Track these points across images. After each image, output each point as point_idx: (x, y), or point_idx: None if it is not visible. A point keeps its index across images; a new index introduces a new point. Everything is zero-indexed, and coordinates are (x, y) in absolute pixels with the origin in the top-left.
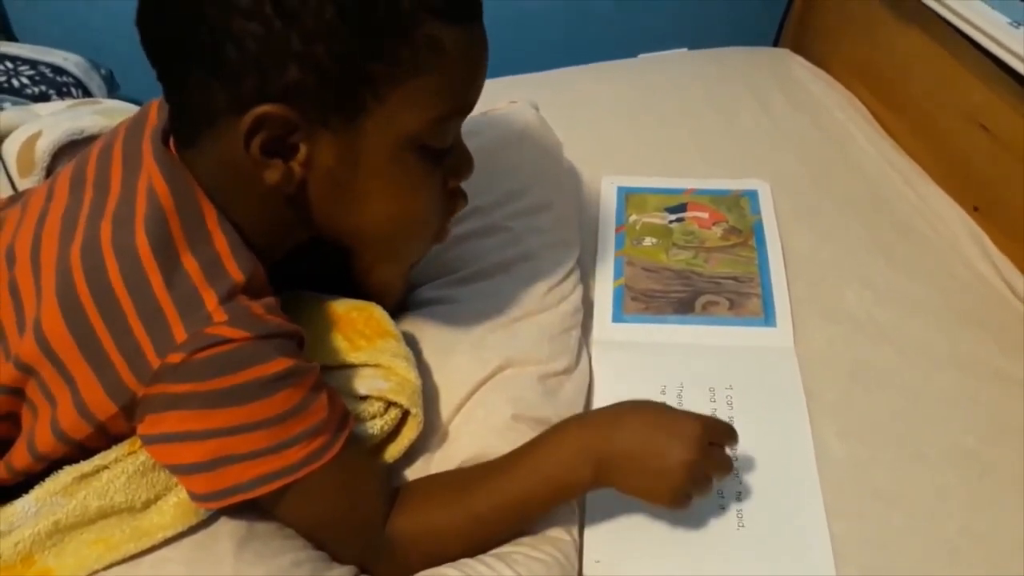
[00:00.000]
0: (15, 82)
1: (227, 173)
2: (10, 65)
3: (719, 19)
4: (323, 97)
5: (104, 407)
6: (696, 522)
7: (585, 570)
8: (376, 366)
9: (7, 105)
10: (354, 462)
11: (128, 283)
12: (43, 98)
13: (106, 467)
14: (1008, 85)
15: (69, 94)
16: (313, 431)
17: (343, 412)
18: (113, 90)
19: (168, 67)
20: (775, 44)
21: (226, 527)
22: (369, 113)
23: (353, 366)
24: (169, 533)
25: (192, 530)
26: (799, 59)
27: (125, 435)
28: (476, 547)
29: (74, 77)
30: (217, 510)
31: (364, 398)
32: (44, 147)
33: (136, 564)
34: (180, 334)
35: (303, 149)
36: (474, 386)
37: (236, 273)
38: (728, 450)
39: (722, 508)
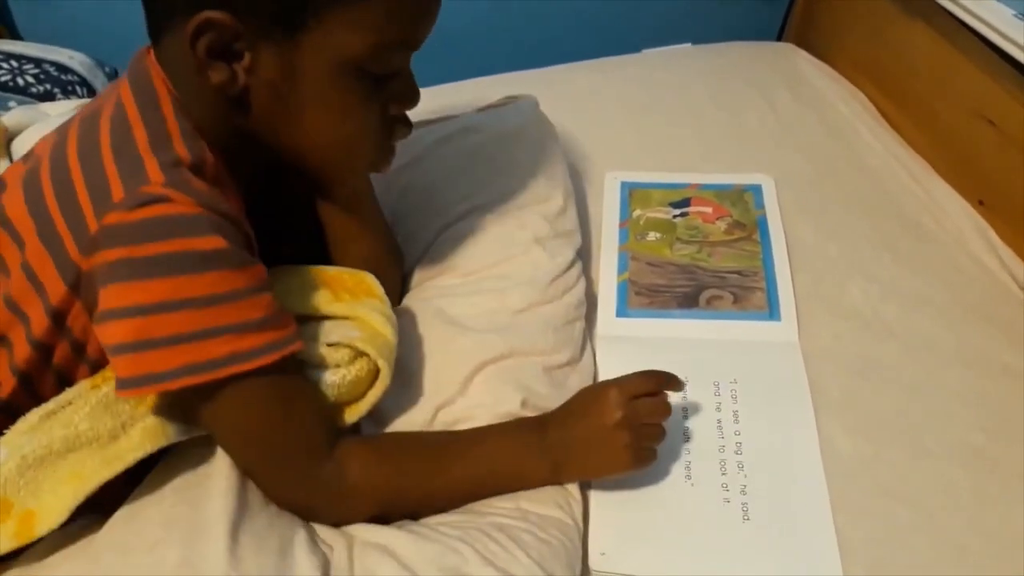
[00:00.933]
0: (20, 80)
1: (183, 67)
2: (15, 64)
3: (723, 14)
4: (267, 9)
5: (56, 287)
6: (701, 516)
7: (590, 563)
8: (354, 319)
9: (13, 104)
10: (293, 385)
11: (81, 154)
12: (48, 96)
13: (70, 402)
14: (1014, 79)
15: (74, 92)
16: (243, 327)
17: (289, 330)
18: None
19: None
20: (779, 39)
21: (219, 508)
22: (309, 30)
23: (331, 317)
24: (139, 454)
25: (185, 515)
26: (803, 54)
27: (91, 347)
28: (428, 508)
29: (79, 75)
30: (209, 490)
31: (332, 345)
32: None
33: (130, 550)
34: (118, 193)
35: (247, 56)
36: (477, 365)
37: (182, 150)
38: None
39: (727, 501)
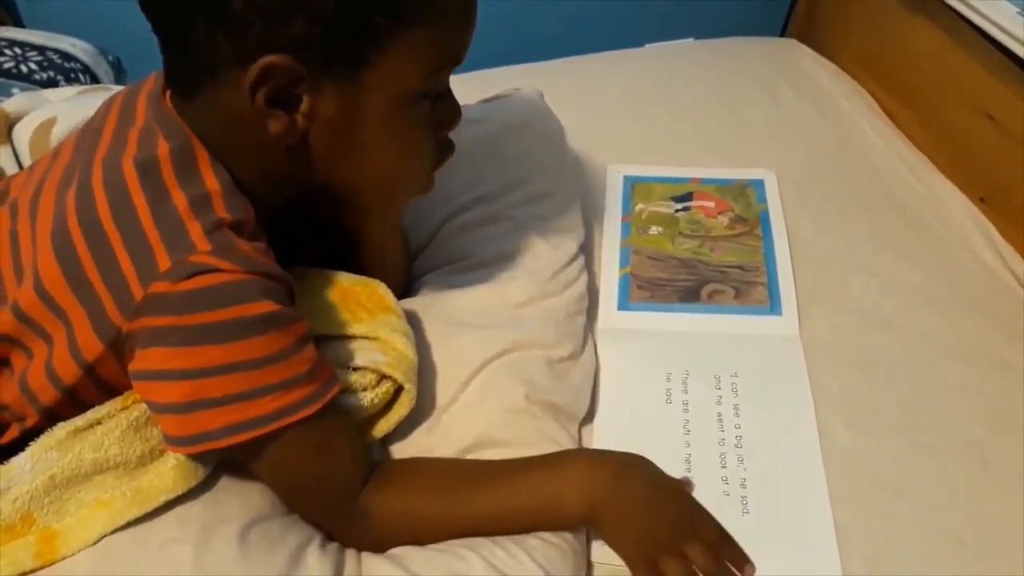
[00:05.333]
0: (23, 68)
1: (227, 123)
2: (18, 51)
3: (726, 9)
4: (328, 49)
5: (91, 345)
6: None
7: (592, 555)
8: (375, 339)
9: (16, 91)
10: (333, 427)
11: (115, 215)
12: (51, 84)
13: (99, 422)
14: (1015, 75)
15: (77, 80)
16: (291, 383)
17: (329, 375)
18: (121, 76)
19: (168, 17)
20: (782, 34)
21: (233, 510)
22: (371, 65)
23: (352, 337)
24: (170, 496)
25: (200, 513)
26: (806, 49)
27: (119, 385)
28: (452, 538)
29: (82, 63)
30: (225, 490)
31: (357, 369)
32: (60, 134)
33: (144, 544)
34: (164, 262)
35: (306, 100)
36: (480, 364)
37: (223, 212)
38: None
39: (727, 495)
